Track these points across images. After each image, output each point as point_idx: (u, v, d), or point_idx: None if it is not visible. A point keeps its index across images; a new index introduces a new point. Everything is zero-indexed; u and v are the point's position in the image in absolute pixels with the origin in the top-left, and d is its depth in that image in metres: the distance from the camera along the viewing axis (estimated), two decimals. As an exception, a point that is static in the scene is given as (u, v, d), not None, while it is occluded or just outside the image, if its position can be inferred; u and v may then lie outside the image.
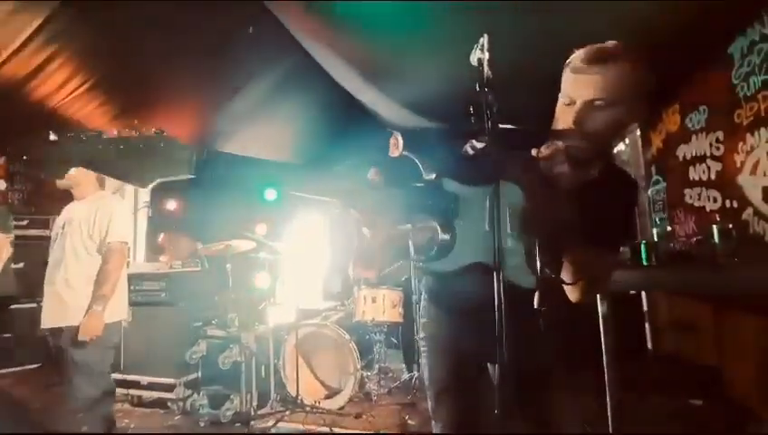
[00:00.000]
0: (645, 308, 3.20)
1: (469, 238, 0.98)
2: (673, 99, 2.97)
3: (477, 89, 0.85)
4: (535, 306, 0.82)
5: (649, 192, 3.42)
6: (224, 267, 3.19)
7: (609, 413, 2.00)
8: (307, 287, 4.15)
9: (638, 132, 3.61)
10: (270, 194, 4.75)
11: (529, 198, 0.91)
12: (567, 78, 0.95)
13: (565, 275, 0.90)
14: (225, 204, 4.33)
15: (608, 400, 2.01)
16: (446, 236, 1.00)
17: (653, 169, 3.37)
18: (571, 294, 0.92)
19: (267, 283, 3.57)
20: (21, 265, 3.70)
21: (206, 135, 4.25)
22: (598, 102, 0.88)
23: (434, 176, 1.04)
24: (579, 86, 0.91)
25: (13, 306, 3.56)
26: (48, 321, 2.07)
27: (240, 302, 3.16)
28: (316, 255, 4.41)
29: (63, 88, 3.18)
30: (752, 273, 1.89)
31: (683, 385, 2.50)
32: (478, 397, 1.03)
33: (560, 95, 0.97)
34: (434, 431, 1.14)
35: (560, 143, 0.91)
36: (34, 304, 3.51)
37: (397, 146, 0.96)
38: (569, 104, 0.92)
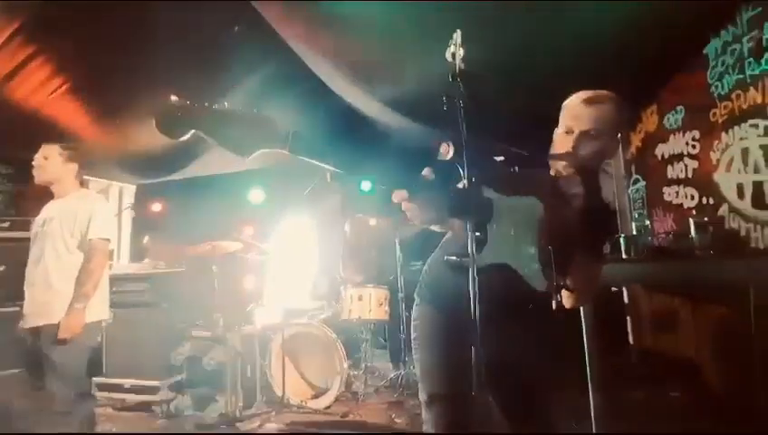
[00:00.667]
0: (626, 303, 3.26)
1: (495, 242, 1.04)
2: (651, 99, 3.05)
3: (450, 80, 0.91)
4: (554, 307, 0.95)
5: (629, 191, 3.49)
6: (209, 268, 3.16)
7: (592, 408, 2.03)
8: (294, 288, 4.14)
9: (619, 134, 3.68)
10: (257, 196, 4.74)
11: (550, 214, 1.03)
12: (567, 113, 1.16)
13: (569, 283, 0.98)
14: (211, 205, 4.30)
15: (590, 395, 2.04)
16: (481, 236, 1.06)
17: (632, 168, 3.44)
18: (568, 300, 1.02)
19: (254, 284, 3.56)
20: (2, 268, 3.63)
21: (191, 142, 4.23)
22: (592, 132, 1.10)
23: (473, 182, 1.10)
24: (577, 119, 1.13)
25: (-6, 311, 3.49)
26: (29, 321, 2.03)
27: (226, 303, 3.14)
28: (304, 256, 4.40)
29: (44, 89, 3.15)
30: (727, 264, 1.95)
31: (663, 379, 2.55)
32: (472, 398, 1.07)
33: (558, 127, 1.18)
34: (424, 429, 1.16)
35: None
36: (17, 308, 3.44)
37: (448, 152, 1.04)
38: (567, 133, 1.13)
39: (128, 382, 3.00)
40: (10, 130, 3.37)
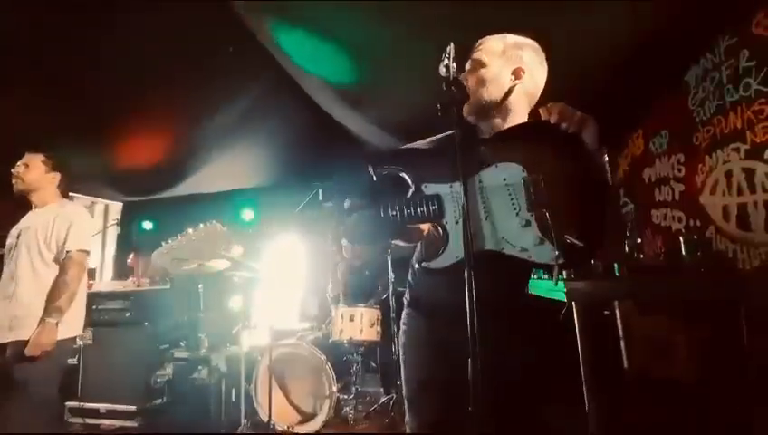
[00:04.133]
0: (619, 327, 3.25)
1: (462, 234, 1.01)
2: (636, 124, 3.15)
3: (444, 88, 0.94)
4: (554, 282, 0.91)
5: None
6: (195, 287, 3.07)
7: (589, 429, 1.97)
8: (283, 309, 4.03)
9: (606, 157, 3.79)
10: (247, 215, 4.69)
11: (533, 170, 0.96)
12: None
13: (576, 235, 0.91)
14: (200, 223, 4.22)
15: (588, 418, 1.99)
16: (439, 235, 1.04)
17: (621, 191, 3.52)
18: (578, 254, 0.92)
19: (241, 304, 3.45)
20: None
21: (181, 160, 4.20)
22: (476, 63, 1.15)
23: (416, 185, 1.10)
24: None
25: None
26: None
27: (211, 322, 3.03)
28: (293, 276, 4.31)
29: (31, 107, 3.10)
30: (717, 282, 1.96)
31: (659, 402, 2.51)
32: (454, 397, 1.01)
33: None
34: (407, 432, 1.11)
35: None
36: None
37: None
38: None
39: (104, 407, 2.83)
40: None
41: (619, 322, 3.36)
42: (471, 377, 0.80)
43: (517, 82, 1.12)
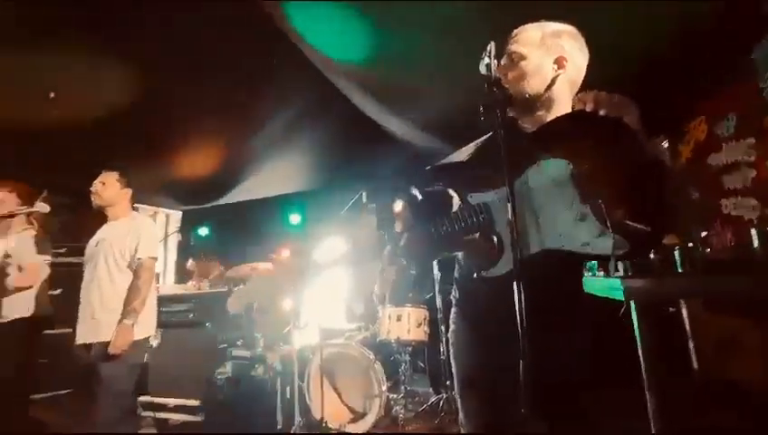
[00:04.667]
0: (687, 326, 3.03)
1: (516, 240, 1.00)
2: (698, 109, 2.93)
3: (486, 89, 0.93)
4: (611, 274, 0.85)
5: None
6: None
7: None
8: (330, 309, 4.14)
9: (666, 144, 3.54)
10: (294, 219, 4.86)
11: (579, 161, 0.93)
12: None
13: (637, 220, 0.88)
14: (252, 229, 4.44)
15: (651, 424, 1.88)
16: (494, 244, 1.03)
17: (685, 179, 3.27)
18: (642, 238, 0.89)
19: (292, 305, 3.58)
20: (58, 291, 3.87)
21: (232, 170, 4.44)
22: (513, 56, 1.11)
23: (462, 197, 1.09)
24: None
25: (47, 332, 3.70)
26: (81, 337, 2.13)
27: (265, 322, 3.18)
28: (339, 277, 4.41)
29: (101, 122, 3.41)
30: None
31: (730, 408, 2.32)
32: (504, 398, 1.00)
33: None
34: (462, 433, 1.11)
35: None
36: (69, 330, 3.62)
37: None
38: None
39: (171, 402, 3.05)
40: (66, 162, 3.66)
41: (686, 320, 3.14)
42: (522, 378, 0.79)
43: (560, 71, 1.08)
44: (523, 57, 1.09)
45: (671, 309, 3.12)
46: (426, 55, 2.70)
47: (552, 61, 1.08)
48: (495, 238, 1.01)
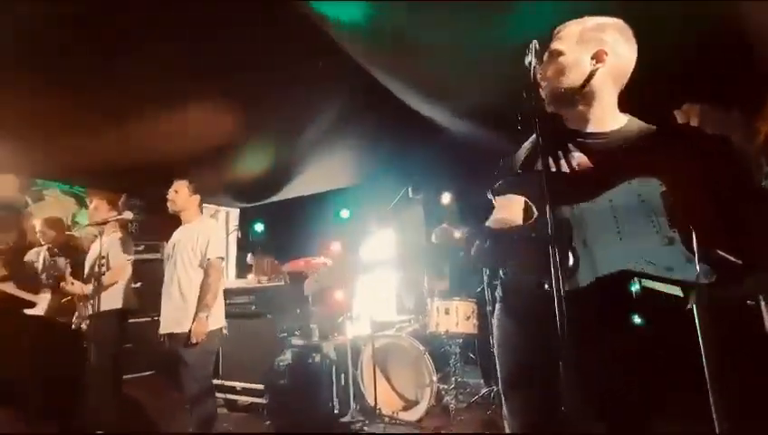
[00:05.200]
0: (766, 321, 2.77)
1: (599, 253, 0.98)
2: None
3: (524, 95, 0.93)
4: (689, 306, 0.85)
5: (763, 184, 3.00)
6: (304, 283, 3.43)
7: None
8: (381, 301, 4.26)
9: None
10: (344, 213, 5.03)
11: (673, 183, 0.91)
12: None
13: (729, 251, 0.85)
14: (304, 224, 4.66)
15: (716, 429, 1.78)
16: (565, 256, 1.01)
17: (762, 159, 2.96)
18: (733, 273, 0.85)
19: (344, 297, 3.74)
20: (138, 284, 4.33)
21: (284, 168, 4.66)
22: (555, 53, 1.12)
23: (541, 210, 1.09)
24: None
25: (131, 320, 4.17)
26: (165, 327, 2.41)
27: (320, 314, 3.36)
28: (390, 269, 4.51)
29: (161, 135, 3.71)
30: None
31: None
32: (549, 398, 1.00)
33: None
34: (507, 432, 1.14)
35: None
36: (149, 319, 4.05)
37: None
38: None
39: (239, 385, 3.34)
40: (140, 169, 4.04)
41: (765, 314, 2.88)
42: (563, 378, 0.80)
43: (599, 65, 1.06)
44: (560, 53, 1.10)
45: (749, 302, 2.88)
46: (468, 42, 2.66)
47: (591, 55, 1.08)
48: (571, 254, 0.99)
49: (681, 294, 1.76)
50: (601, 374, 0.95)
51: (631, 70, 1.11)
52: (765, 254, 0.85)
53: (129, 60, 2.80)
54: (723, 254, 0.82)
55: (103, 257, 2.68)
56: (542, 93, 1.12)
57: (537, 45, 1.04)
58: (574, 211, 0.99)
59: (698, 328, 1.86)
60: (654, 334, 1.10)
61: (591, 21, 1.11)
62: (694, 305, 1.86)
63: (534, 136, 1.17)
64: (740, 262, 0.81)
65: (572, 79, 1.08)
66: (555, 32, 1.14)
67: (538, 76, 1.04)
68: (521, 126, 0.95)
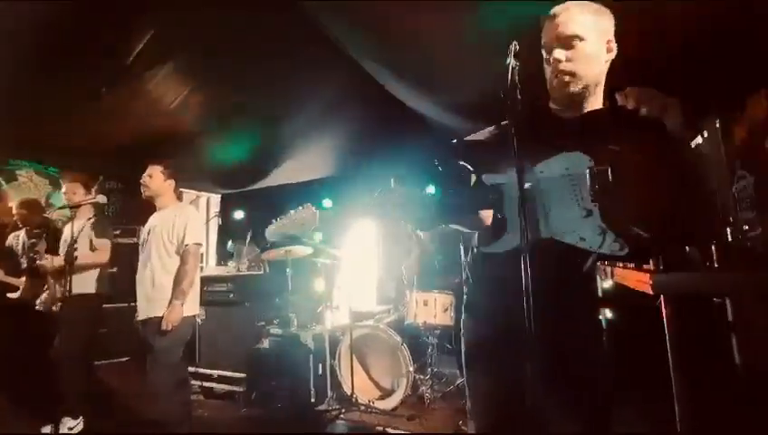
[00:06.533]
0: (730, 317, 2.89)
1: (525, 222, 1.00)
2: (759, 83, 2.69)
3: (508, 85, 0.93)
4: (606, 277, 0.85)
5: (734, 189, 3.09)
6: (284, 271, 3.40)
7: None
8: (362, 291, 4.27)
9: (718, 123, 3.29)
10: (327, 203, 4.99)
11: (602, 159, 0.93)
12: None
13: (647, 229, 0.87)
14: (286, 213, 4.60)
15: (677, 420, 1.84)
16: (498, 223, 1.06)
17: (737, 163, 3.04)
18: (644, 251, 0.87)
19: (324, 287, 3.74)
20: (114, 269, 4.25)
21: (267, 156, 4.59)
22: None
23: (479, 176, 1.11)
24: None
25: (107, 305, 4.11)
26: (141, 313, 2.38)
27: (299, 303, 3.35)
28: (370, 260, 4.52)
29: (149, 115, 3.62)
30: None
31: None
32: (512, 375, 1.00)
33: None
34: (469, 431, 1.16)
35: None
36: (126, 305, 3.98)
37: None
38: (547, 63, 1.06)
39: (216, 373, 3.32)
40: (120, 152, 3.94)
41: (729, 310, 2.98)
42: (529, 374, 0.81)
43: (610, 56, 1.03)
44: (581, 38, 0.99)
45: (715, 299, 2.99)
46: (454, 35, 2.65)
47: (605, 44, 1.03)
48: (500, 218, 1.04)
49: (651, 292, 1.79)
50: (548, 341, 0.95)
51: None
52: (689, 230, 0.89)
53: (107, 35, 2.70)
54: (637, 230, 0.85)
55: (75, 241, 2.61)
56: (562, 88, 1.03)
57: (517, 47, 1.01)
58: (511, 179, 1.00)
59: (665, 319, 1.91)
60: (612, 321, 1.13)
61: (594, 6, 1.04)
62: (661, 299, 1.91)
63: (494, 127, 1.18)
64: (647, 235, 0.84)
65: (598, 68, 1.02)
66: (558, 11, 1.04)
67: (516, 78, 1.01)
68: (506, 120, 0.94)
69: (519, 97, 0.93)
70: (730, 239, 2.41)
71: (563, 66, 1.02)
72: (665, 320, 1.92)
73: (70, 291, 2.50)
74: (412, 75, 3.23)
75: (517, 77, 0.93)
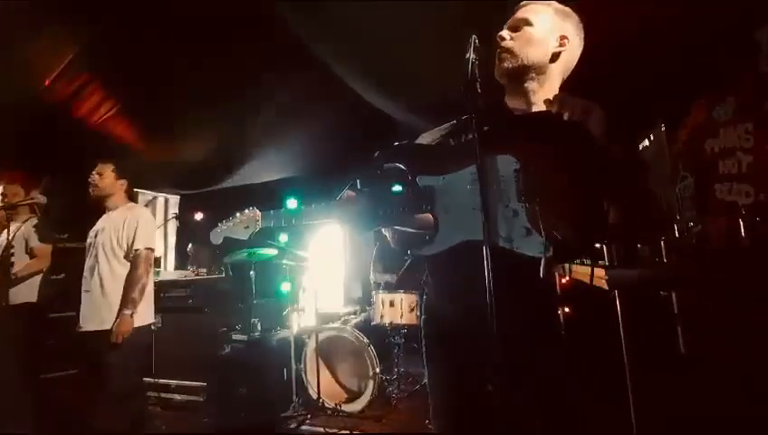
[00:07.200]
0: (676, 310, 3.06)
1: (456, 222, 1.02)
2: (699, 91, 2.87)
3: (468, 78, 0.94)
4: (541, 275, 0.86)
5: (677, 189, 3.28)
6: (247, 274, 3.29)
7: (633, 421, 1.91)
8: (328, 293, 4.22)
9: (663, 127, 3.48)
10: (291, 203, 4.88)
11: (527, 161, 0.96)
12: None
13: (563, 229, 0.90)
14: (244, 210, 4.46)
15: (631, 407, 1.93)
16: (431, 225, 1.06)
17: (680, 165, 3.24)
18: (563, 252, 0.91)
19: (289, 289, 3.66)
20: (61, 275, 3.96)
21: (228, 155, 4.44)
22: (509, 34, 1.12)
23: (412, 178, 1.11)
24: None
25: (53, 315, 3.82)
26: (85, 324, 2.20)
27: (263, 307, 3.25)
28: (336, 261, 4.47)
29: (98, 111, 3.43)
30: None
31: (717, 389, 2.37)
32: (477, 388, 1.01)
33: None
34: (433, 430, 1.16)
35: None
36: (73, 313, 3.73)
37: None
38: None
39: (174, 383, 3.16)
40: (70, 149, 3.68)
41: (675, 305, 3.16)
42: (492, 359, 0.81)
43: (561, 48, 1.09)
44: (529, 23, 1.09)
45: (662, 293, 3.14)
46: (421, 35, 2.66)
47: (557, 36, 1.09)
48: (433, 220, 1.04)
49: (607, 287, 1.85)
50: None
51: (574, 65, 1.14)
52: (609, 228, 0.96)
53: (59, 26, 2.53)
54: (560, 231, 0.87)
55: (12, 247, 2.41)
56: (500, 64, 1.10)
57: (477, 41, 1.02)
58: (443, 181, 1.03)
59: (619, 314, 1.98)
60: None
61: (557, 6, 1.12)
62: (615, 293, 1.98)
63: (448, 124, 1.19)
64: (560, 237, 0.87)
65: (537, 54, 1.08)
66: (521, 4, 1.13)
67: (476, 71, 1.03)
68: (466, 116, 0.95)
69: (479, 91, 0.94)
70: (677, 235, 2.53)
71: (504, 43, 1.10)
72: (618, 310, 1.97)
73: (6, 301, 2.30)
74: (376, 76, 3.23)
75: (477, 71, 0.94)
